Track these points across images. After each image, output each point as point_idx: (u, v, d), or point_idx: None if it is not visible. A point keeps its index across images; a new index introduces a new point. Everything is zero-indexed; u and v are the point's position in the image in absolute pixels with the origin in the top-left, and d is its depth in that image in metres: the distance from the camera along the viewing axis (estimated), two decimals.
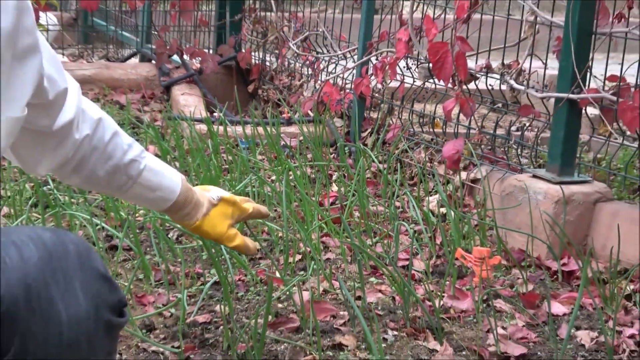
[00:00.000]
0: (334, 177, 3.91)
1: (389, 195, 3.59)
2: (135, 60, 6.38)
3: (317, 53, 4.95)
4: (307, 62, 4.94)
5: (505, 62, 3.58)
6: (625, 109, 2.97)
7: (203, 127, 4.31)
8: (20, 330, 1.23)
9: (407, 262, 2.88)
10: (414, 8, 3.92)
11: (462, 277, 2.84)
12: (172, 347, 2.28)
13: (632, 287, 2.73)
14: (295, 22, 5.15)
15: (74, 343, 1.27)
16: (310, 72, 4.90)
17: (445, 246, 3.04)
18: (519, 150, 3.68)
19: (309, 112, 4.57)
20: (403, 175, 3.85)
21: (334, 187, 3.76)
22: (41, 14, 5.34)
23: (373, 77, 4.19)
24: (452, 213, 3.15)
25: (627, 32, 3.17)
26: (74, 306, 1.27)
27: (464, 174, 3.58)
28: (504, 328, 2.47)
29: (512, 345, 2.36)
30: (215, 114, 4.67)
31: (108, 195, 1.66)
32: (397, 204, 3.57)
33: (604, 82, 3.25)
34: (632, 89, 3.06)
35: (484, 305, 2.61)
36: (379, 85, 4.28)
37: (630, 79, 3.17)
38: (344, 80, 4.60)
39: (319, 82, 4.75)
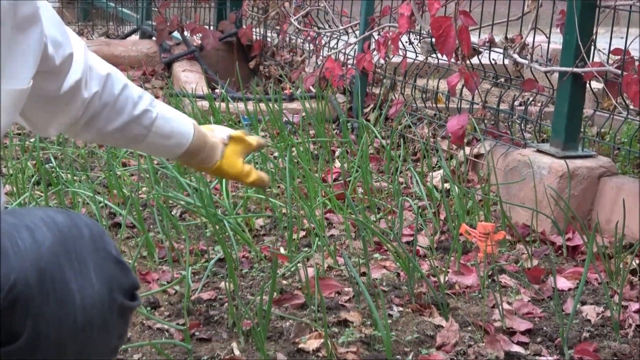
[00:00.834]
0: (337, 153, 3.90)
1: (392, 171, 3.58)
2: (135, 37, 6.36)
3: (319, 28, 4.93)
4: (309, 38, 4.91)
5: (509, 36, 3.55)
6: (629, 83, 2.95)
7: (205, 104, 4.29)
8: (33, 313, 1.22)
9: (411, 238, 2.88)
10: None
11: (467, 253, 2.84)
12: (177, 324, 2.28)
13: (637, 261, 2.73)
14: None
15: (87, 326, 1.26)
16: (311, 48, 4.88)
17: (450, 222, 3.03)
18: (522, 125, 3.67)
19: (311, 88, 4.55)
20: (406, 151, 3.84)
21: (337, 163, 3.75)
22: None
23: (375, 53, 4.17)
24: (456, 188, 3.14)
25: (631, 4, 3.14)
26: (88, 289, 1.26)
27: (467, 149, 3.56)
28: (509, 303, 2.47)
29: (518, 320, 2.36)
30: (216, 91, 4.65)
31: (122, 148, 1.66)
32: (401, 179, 3.56)
33: (608, 56, 3.22)
34: (637, 63, 3.04)
35: (489, 280, 2.61)
36: (382, 61, 4.26)
37: (635, 53, 3.15)
38: (346, 55, 4.58)
39: (321, 57, 4.73)
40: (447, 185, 3.36)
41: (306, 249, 2.84)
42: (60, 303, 1.24)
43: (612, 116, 3.35)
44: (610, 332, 2.34)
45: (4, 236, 1.23)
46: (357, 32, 4.47)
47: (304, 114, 4.20)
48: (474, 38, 3.52)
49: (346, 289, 2.53)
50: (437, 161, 3.66)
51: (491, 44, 3.60)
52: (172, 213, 3.10)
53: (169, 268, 2.65)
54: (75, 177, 3.34)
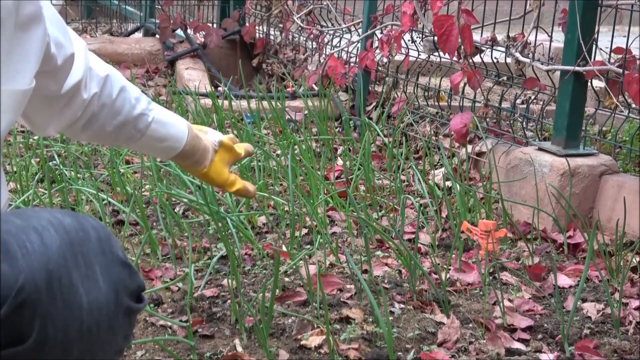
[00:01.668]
0: (339, 151, 3.91)
1: (395, 168, 3.59)
2: (138, 34, 6.37)
3: (322, 26, 4.94)
4: (312, 36, 4.93)
5: (511, 34, 3.57)
6: (631, 82, 2.97)
7: (208, 102, 4.30)
8: (41, 315, 1.23)
9: (413, 236, 2.89)
10: None
11: (468, 250, 2.85)
12: (180, 321, 2.29)
13: (637, 259, 2.74)
14: None
15: (93, 328, 1.26)
16: (314, 46, 4.89)
17: (451, 219, 3.05)
18: (524, 123, 3.68)
19: (314, 86, 4.56)
20: (408, 149, 3.85)
21: (339, 161, 3.76)
22: None
23: (378, 51, 4.18)
24: (458, 186, 3.15)
25: (633, 3, 3.15)
26: (95, 291, 1.27)
27: (469, 147, 3.58)
28: (510, 300, 2.48)
29: (519, 317, 2.37)
30: (219, 88, 4.67)
31: (114, 146, 1.67)
32: (403, 177, 3.57)
33: (610, 55, 3.24)
34: (638, 62, 3.05)
35: (490, 277, 2.62)
36: (384, 59, 4.27)
37: (636, 52, 3.17)
38: (348, 53, 4.59)
39: (324, 55, 4.74)
40: (448, 183, 3.37)
41: (308, 246, 2.85)
42: (68, 305, 1.24)
43: (613, 115, 3.37)
44: (610, 329, 2.35)
45: (12, 238, 1.24)
46: (360, 31, 4.48)
47: (306, 111, 4.21)
48: (476, 36, 3.53)
49: (348, 286, 2.54)
50: (439, 159, 3.67)
51: (493, 42, 3.61)
52: (175, 210, 3.11)
53: (172, 265, 2.67)
54: (78, 175, 3.35)
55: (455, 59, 3.53)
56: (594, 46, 3.16)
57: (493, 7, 3.66)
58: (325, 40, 4.84)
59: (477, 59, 3.62)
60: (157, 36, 5.77)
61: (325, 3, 4.96)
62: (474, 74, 3.47)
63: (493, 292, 2.49)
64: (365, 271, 2.62)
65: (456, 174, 3.45)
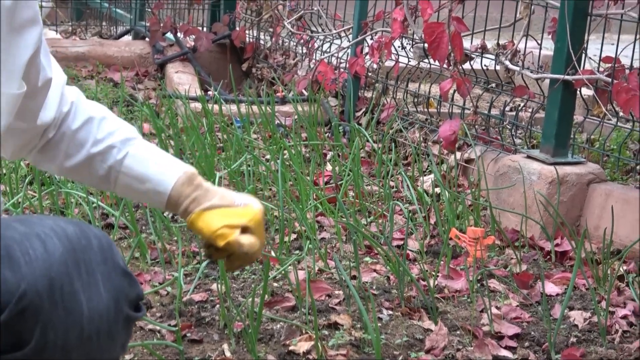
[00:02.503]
0: (329, 157, 3.92)
1: (384, 174, 3.60)
2: (128, 37, 6.36)
3: (312, 32, 4.95)
4: (302, 41, 4.94)
5: (501, 42, 3.59)
6: (620, 91, 2.99)
7: (197, 105, 4.31)
8: (42, 321, 1.24)
9: (401, 242, 2.90)
10: None
11: (457, 257, 2.86)
12: (169, 325, 2.30)
13: (624, 267, 2.76)
14: (290, 1, 5.14)
15: (94, 335, 1.28)
16: (304, 51, 4.90)
17: (440, 226, 3.06)
18: (513, 130, 3.70)
19: (303, 91, 4.57)
20: (397, 155, 3.87)
21: (329, 167, 3.77)
22: None
23: (368, 57, 4.19)
24: (447, 193, 3.17)
25: (622, 13, 3.18)
26: (96, 299, 1.28)
27: (458, 154, 3.59)
28: (497, 308, 2.49)
29: (506, 324, 2.39)
30: (209, 92, 4.67)
31: (102, 189, 1.45)
32: (392, 183, 3.58)
33: (599, 64, 3.26)
34: (627, 71, 3.07)
35: (478, 285, 2.63)
36: (374, 65, 4.28)
37: (625, 60, 3.19)
38: (338, 59, 4.60)
39: (314, 61, 4.75)
40: (437, 190, 3.39)
41: (297, 251, 2.86)
42: (69, 312, 1.26)
43: (601, 123, 3.39)
44: (597, 338, 2.37)
45: (16, 244, 1.25)
46: (350, 36, 4.49)
47: (296, 117, 4.22)
48: (466, 43, 3.55)
49: (337, 292, 2.55)
50: (428, 166, 3.68)
51: (483, 50, 3.63)
52: (165, 214, 3.12)
53: (161, 269, 2.67)
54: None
55: (445, 66, 3.54)
56: (584, 55, 3.18)
57: (483, 14, 3.68)
58: (316, 45, 4.85)
59: (466, 66, 3.63)
60: (147, 39, 5.77)
61: (315, 8, 4.97)
62: (464, 82, 3.49)
63: (481, 299, 2.50)
64: (354, 277, 2.64)
65: (445, 181, 3.47)
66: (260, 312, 2.23)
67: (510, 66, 3.51)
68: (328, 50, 4.75)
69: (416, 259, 2.85)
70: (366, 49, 4.21)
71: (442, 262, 2.75)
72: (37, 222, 1.31)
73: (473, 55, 3.65)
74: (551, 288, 2.66)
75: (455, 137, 3.52)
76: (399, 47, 4.14)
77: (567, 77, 3.14)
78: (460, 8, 3.56)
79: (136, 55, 5.64)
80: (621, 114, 3.23)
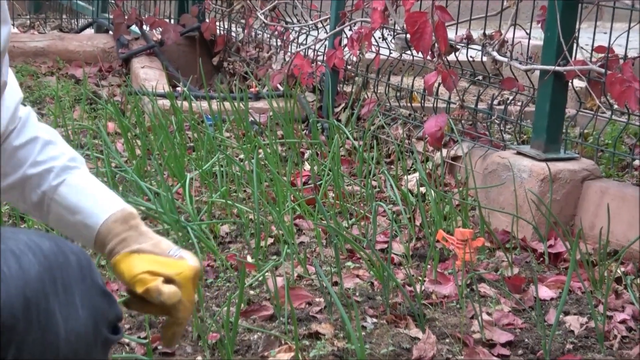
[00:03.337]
0: (307, 156, 3.91)
1: (365, 174, 3.60)
2: (90, 30, 6.34)
3: (287, 23, 4.94)
4: (276, 33, 4.93)
5: (487, 32, 3.59)
6: (613, 82, 2.99)
7: (166, 103, 4.29)
8: (17, 341, 1.24)
9: (385, 245, 2.90)
10: None
11: (444, 261, 2.86)
12: (139, 337, 2.29)
13: (622, 269, 2.76)
14: None
15: (70, 357, 1.29)
16: (279, 44, 4.89)
17: (426, 228, 3.06)
18: (501, 125, 3.70)
19: (279, 86, 4.56)
20: (379, 153, 3.86)
21: (307, 166, 3.77)
22: None
23: (347, 49, 4.19)
24: (433, 192, 3.17)
25: (615, 0, 3.18)
26: (73, 320, 1.29)
27: (444, 151, 3.59)
28: (488, 314, 2.49)
29: (498, 331, 2.39)
30: (178, 89, 4.66)
31: (39, 220, 1.41)
32: (374, 183, 3.58)
33: (591, 54, 3.26)
34: (621, 61, 3.08)
35: (468, 289, 2.63)
36: (353, 58, 4.28)
37: (619, 50, 3.19)
38: (315, 52, 4.60)
39: (289, 54, 4.74)
40: (423, 189, 3.39)
41: (275, 257, 2.85)
42: (45, 333, 1.26)
43: (595, 116, 3.40)
44: (594, 344, 2.37)
45: None
46: (328, 27, 4.49)
47: (271, 113, 4.21)
48: (450, 34, 3.55)
49: (317, 300, 2.55)
50: (413, 164, 3.68)
51: (469, 40, 3.63)
52: None
53: None
54: None
55: (429, 57, 3.54)
56: (575, 44, 3.19)
57: (468, 3, 3.68)
58: (291, 37, 4.84)
59: (451, 57, 3.63)
60: (111, 32, 5.75)
61: None
62: (449, 74, 3.49)
63: (471, 305, 2.50)
64: (336, 283, 2.63)
65: (430, 180, 3.46)
66: (236, 322, 2.21)
67: (498, 57, 3.51)
68: (304, 42, 4.74)
69: (401, 263, 2.85)
70: (345, 41, 4.20)
71: (429, 266, 2.75)
72: (11, 237, 1.30)
73: (458, 46, 3.65)
74: (545, 292, 2.66)
75: (442, 134, 3.52)
76: (379, 38, 4.14)
77: (558, 68, 3.14)
78: None
79: (99, 49, 5.62)
80: (615, 106, 3.23)
